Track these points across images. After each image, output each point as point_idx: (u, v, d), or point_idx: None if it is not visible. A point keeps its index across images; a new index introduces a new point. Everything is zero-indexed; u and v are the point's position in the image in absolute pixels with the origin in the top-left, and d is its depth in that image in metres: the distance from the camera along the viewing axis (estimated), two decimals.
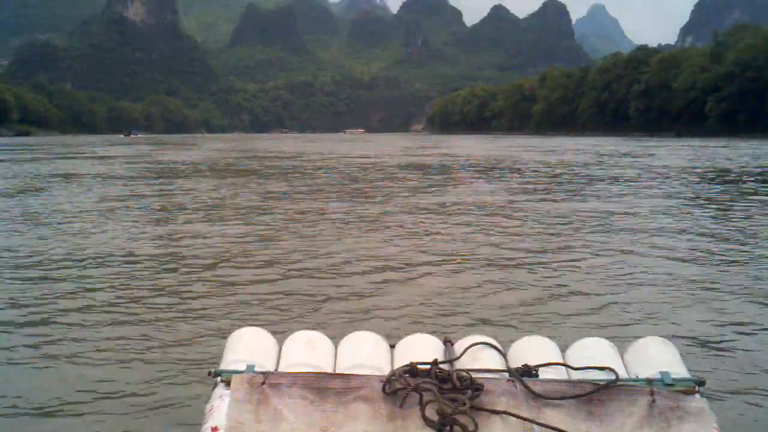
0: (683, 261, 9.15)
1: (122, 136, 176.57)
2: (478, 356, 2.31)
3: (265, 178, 26.31)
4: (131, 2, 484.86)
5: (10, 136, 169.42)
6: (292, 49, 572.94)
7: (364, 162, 39.31)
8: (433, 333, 2.50)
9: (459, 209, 15.34)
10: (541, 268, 8.60)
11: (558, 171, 29.61)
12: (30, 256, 9.69)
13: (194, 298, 7.26)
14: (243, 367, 2.18)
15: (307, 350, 2.33)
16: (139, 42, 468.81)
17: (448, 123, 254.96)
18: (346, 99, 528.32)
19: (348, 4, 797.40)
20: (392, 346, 2.44)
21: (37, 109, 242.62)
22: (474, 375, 2.09)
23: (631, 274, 8.26)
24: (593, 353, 2.25)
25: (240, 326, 2.49)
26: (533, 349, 2.32)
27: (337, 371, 2.28)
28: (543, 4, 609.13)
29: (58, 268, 8.79)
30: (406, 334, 2.47)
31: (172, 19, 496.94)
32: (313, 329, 2.48)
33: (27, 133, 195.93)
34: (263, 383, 2.05)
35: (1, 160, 42.57)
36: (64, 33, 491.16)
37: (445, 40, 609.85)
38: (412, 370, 2.11)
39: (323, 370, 2.23)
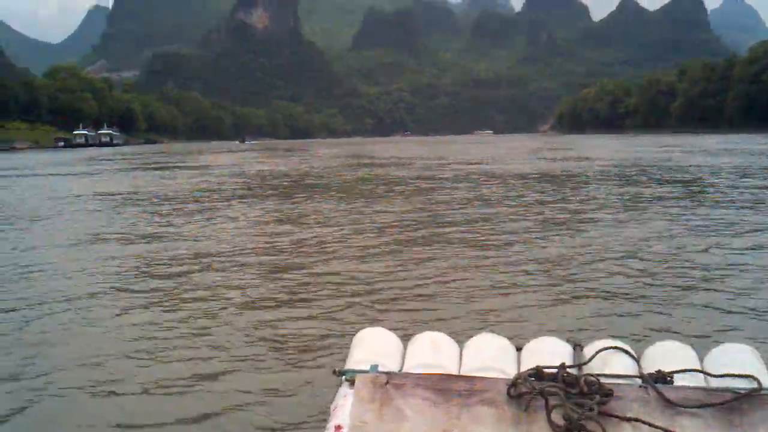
0: None
1: (238, 142, 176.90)
2: (608, 361, 2.24)
3: (371, 193, 20.35)
4: (254, 10, 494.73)
5: (138, 144, 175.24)
6: (413, 51, 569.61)
7: (490, 170, 32.38)
8: (561, 336, 2.49)
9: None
10: None
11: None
12: (152, 262, 10.37)
13: (321, 299, 7.77)
14: (367, 367, 2.20)
15: (432, 351, 2.33)
16: (262, 49, 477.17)
17: (577, 122, 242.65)
18: (469, 100, 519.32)
19: (469, 4, 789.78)
20: (518, 349, 2.43)
21: (164, 117, 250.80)
22: (603, 380, 2.03)
23: None
24: (734, 360, 2.16)
25: (365, 326, 2.55)
26: (668, 355, 2.23)
27: (462, 373, 2.26)
28: None
29: (184, 272, 9.61)
30: (534, 337, 2.46)
31: (293, 25, 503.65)
32: (437, 330, 2.50)
33: (154, 141, 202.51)
34: (387, 383, 2.06)
35: (83, 173, 38.65)
36: (190, 43, 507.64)
37: (571, 36, 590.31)
38: (538, 373, 2.09)
39: (448, 372, 2.22)
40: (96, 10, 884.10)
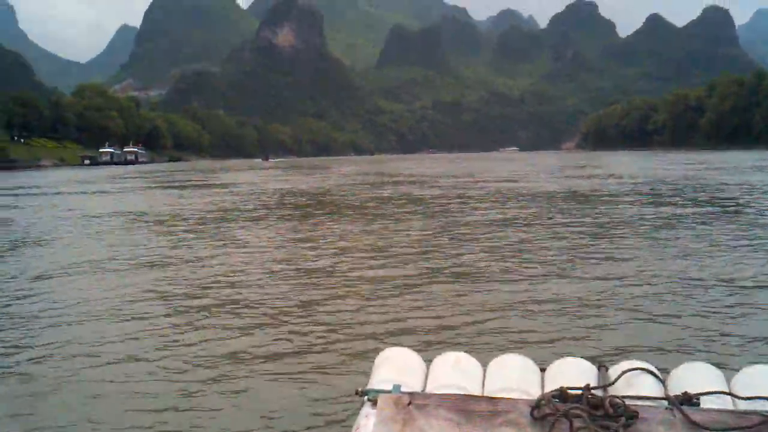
0: None
1: (261, 160, 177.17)
2: (633, 382, 2.19)
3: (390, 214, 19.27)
4: (279, 29, 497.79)
5: (163, 161, 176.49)
6: (437, 69, 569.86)
7: (516, 188, 31.32)
8: (586, 357, 2.45)
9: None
10: None
11: None
12: (163, 286, 10.11)
13: (343, 320, 7.77)
14: (390, 387, 2.19)
15: (455, 371, 2.32)
16: (287, 67, 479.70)
17: (604, 139, 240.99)
18: (494, 117, 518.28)
19: (494, 21, 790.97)
20: (542, 370, 2.41)
21: (189, 135, 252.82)
22: (629, 402, 1.98)
23: None
24: (763, 382, 2.11)
25: (388, 346, 2.54)
26: (695, 376, 2.20)
27: (485, 394, 2.23)
28: (703, 10, 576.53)
29: (198, 294, 9.52)
30: (558, 358, 2.44)
31: (319, 43, 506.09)
32: (460, 350, 2.48)
33: (178, 159, 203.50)
34: (410, 404, 2.04)
35: (101, 191, 38.01)
36: (217, 62, 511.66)
37: (597, 52, 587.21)
38: (562, 394, 2.05)
39: (471, 393, 2.20)
40: (124, 29, 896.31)
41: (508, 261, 11.67)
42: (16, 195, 37.62)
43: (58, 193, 39.06)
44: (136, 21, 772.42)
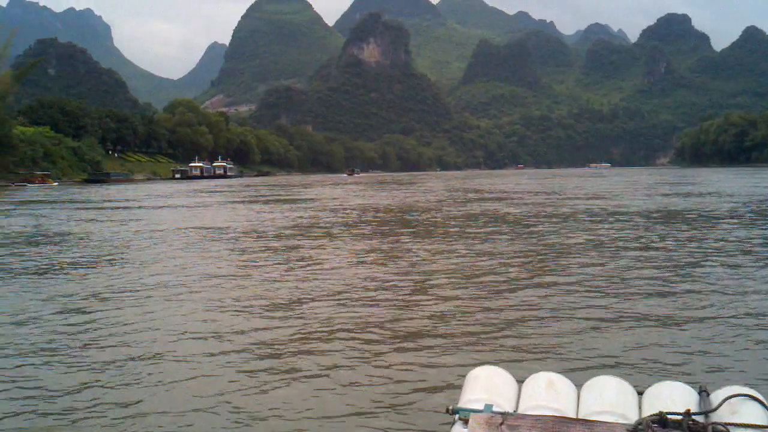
0: None
1: (346, 175, 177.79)
2: (737, 409, 2.07)
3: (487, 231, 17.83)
4: (366, 45, 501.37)
5: (251, 176, 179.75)
6: (525, 84, 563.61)
7: (608, 206, 29.58)
8: (686, 381, 2.34)
9: None
10: None
11: None
12: (239, 303, 9.81)
13: (430, 335, 7.68)
14: (481, 406, 2.14)
15: (548, 392, 2.25)
16: (374, 83, 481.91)
17: (699, 155, 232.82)
18: (584, 132, 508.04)
19: (583, 36, 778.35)
20: (640, 393, 2.31)
21: (278, 150, 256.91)
22: (733, 430, 1.91)
23: None
24: None
25: (479, 364, 2.49)
26: None
27: (579, 416, 2.17)
28: None
29: (282, 311, 9.20)
30: (656, 381, 2.31)
31: (405, 59, 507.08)
32: (553, 371, 2.42)
33: (267, 173, 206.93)
34: (502, 424, 1.99)
35: (180, 206, 38.01)
36: (304, 77, 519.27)
37: (691, 66, 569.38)
38: (661, 419, 1.95)
39: (564, 414, 2.15)
40: (214, 46, 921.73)
41: (599, 280, 11.15)
42: (100, 209, 37.75)
43: (141, 207, 39.05)
44: (225, 39, 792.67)
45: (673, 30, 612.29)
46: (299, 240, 18.86)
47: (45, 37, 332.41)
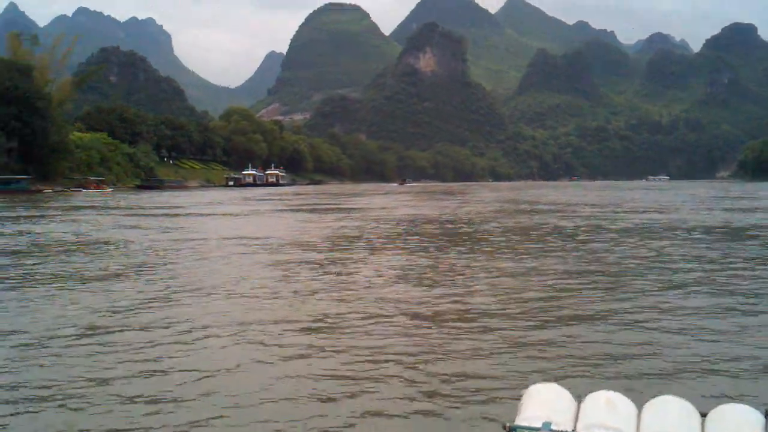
0: None
1: (397, 184, 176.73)
2: None
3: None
4: (422, 54, 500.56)
5: (303, 184, 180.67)
6: (582, 94, 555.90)
7: (669, 221, 28.19)
8: (751, 403, 2.25)
9: None
10: None
11: None
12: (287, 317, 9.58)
13: (487, 353, 7.52)
14: (539, 424, 2.10)
15: (607, 411, 2.19)
16: (429, 92, 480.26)
17: (763, 169, 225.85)
18: (642, 144, 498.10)
19: (643, 45, 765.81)
20: (703, 415, 2.24)
21: (330, 158, 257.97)
22: None
23: None
24: None
25: (536, 381, 2.46)
26: None
27: None
28: None
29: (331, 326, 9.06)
30: (720, 403, 2.25)
31: (461, 69, 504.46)
32: (612, 389, 2.36)
33: (319, 182, 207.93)
34: None
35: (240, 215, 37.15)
36: (360, 87, 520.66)
37: (756, 77, 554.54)
38: None
39: None
40: (271, 55, 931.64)
41: (654, 295, 10.86)
42: (146, 215, 37.56)
43: (188, 215, 38.74)
44: (283, 48, 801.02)
45: (737, 40, 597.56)
46: (341, 253, 18.14)
47: (108, 46, 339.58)
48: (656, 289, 11.51)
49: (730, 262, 15.20)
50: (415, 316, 9.59)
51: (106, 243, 20.97)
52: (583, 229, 25.68)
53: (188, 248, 19.25)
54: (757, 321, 8.98)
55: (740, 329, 8.49)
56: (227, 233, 24.76)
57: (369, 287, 12.22)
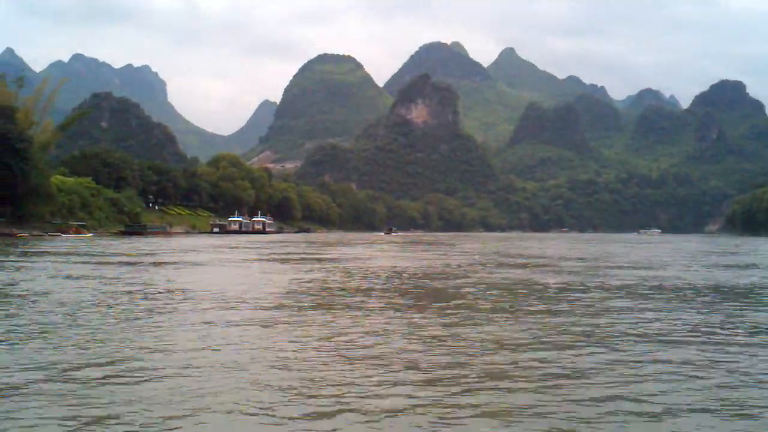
0: None
1: (383, 233, 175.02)
2: None
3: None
4: (414, 106, 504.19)
5: (290, 232, 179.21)
6: (573, 147, 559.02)
7: (660, 278, 26.09)
8: None
9: None
10: None
11: None
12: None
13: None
14: None
15: None
16: (420, 143, 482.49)
17: (751, 223, 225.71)
18: (632, 197, 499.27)
19: (634, 101, 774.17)
20: None
21: (320, 207, 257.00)
22: None
23: None
24: None
25: None
26: None
27: None
28: None
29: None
30: None
31: (452, 120, 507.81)
32: None
33: (307, 230, 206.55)
34: None
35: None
36: (352, 136, 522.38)
37: (744, 133, 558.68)
38: None
39: None
40: (265, 104, 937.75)
41: (653, 381, 9.69)
42: (106, 263, 35.36)
43: (152, 264, 36.45)
44: (276, 97, 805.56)
45: (726, 96, 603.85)
46: (284, 311, 16.18)
47: (100, 91, 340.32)
48: (650, 371, 10.20)
49: (736, 327, 13.39)
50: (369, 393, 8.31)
51: (20, 295, 18.82)
52: (568, 286, 23.67)
53: (114, 304, 17.12)
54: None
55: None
56: (176, 285, 22.62)
57: (342, 347, 10.94)
